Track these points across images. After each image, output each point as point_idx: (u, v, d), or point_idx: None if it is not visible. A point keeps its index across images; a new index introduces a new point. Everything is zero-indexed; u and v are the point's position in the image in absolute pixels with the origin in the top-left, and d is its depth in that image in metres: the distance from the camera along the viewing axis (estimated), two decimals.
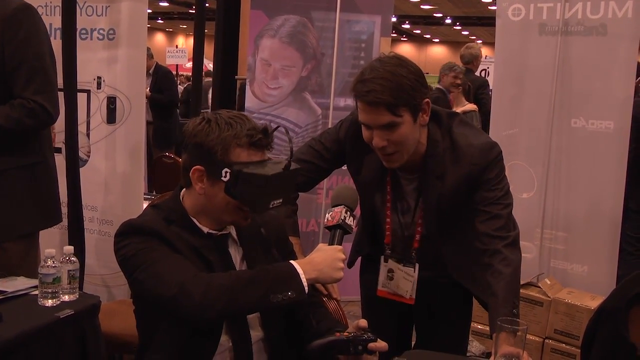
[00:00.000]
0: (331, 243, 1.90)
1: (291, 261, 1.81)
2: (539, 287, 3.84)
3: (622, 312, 2.18)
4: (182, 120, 7.37)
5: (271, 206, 1.82)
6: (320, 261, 1.80)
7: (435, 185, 2.12)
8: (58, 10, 3.37)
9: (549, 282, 3.86)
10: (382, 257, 2.28)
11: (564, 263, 4.05)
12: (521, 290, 3.76)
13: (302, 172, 2.12)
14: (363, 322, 1.85)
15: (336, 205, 1.97)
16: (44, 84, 2.56)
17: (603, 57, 3.83)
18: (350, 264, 2.36)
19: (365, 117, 1.99)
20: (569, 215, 4.01)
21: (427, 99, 2.01)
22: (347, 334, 1.82)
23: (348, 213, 1.95)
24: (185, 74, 16.09)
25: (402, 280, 2.23)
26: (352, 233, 2.02)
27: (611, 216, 3.85)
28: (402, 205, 2.23)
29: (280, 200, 1.83)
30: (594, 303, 3.59)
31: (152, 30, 30.21)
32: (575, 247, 4.01)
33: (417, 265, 2.22)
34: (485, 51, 9.60)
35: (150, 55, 7.08)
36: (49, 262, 2.16)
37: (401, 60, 1.98)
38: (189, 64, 16.33)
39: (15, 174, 2.59)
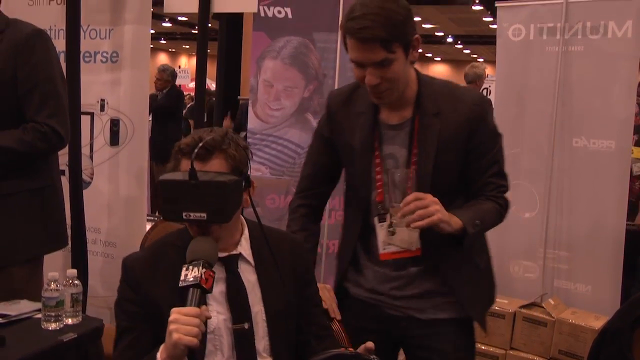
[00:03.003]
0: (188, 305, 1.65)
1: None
2: (543, 307, 3.84)
3: (626, 332, 2.18)
4: None
5: (185, 217, 1.68)
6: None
7: (434, 124, 2.03)
8: (62, 33, 3.39)
9: (552, 302, 3.86)
10: (376, 218, 2.11)
11: (567, 283, 4.05)
12: (525, 311, 3.81)
13: (316, 176, 2.24)
14: (370, 344, 1.83)
15: (192, 262, 1.67)
16: (56, 107, 2.57)
17: (603, 76, 3.86)
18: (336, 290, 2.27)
19: (358, 55, 1.92)
20: (572, 235, 4.02)
21: (417, 35, 1.95)
22: (351, 349, 1.80)
23: (203, 269, 1.65)
24: (189, 93, 16.19)
25: (406, 232, 2.07)
26: (211, 292, 1.70)
27: (614, 235, 3.86)
28: (391, 163, 2.11)
29: (203, 215, 1.67)
30: (598, 323, 3.58)
31: (154, 50, 30.36)
32: (579, 266, 4.01)
33: None
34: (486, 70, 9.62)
35: (168, 80, 7.23)
36: (53, 286, 2.17)
37: None
38: (192, 84, 16.48)
39: (25, 197, 2.60)
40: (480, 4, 17.72)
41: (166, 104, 6.94)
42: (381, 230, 2.11)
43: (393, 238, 2.10)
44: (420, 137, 2.05)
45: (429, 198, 1.88)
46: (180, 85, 15.86)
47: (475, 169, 2.07)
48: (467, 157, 2.05)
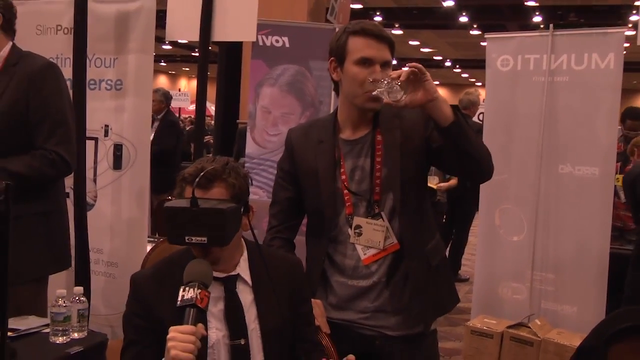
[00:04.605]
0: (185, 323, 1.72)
1: None
2: (530, 327, 3.96)
3: (600, 350, 2.30)
4: (184, 164, 7.49)
5: (187, 241, 1.83)
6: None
7: (394, 123, 2.24)
8: (69, 62, 3.52)
9: (539, 323, 3.97)
10: (350, 230, 2.25)
11: (554, 304, 4.17)
12: (512, 331, 3.93)
13: (284, 212, 2.35)
14: (351, 357, 1.95)
15: (188, 283, 1.77)
16: (64, 136, 2.72)
17: (587, 106, 4.01)
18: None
19: (373, 51, 2.16)
20: (558, 257, 4.15)
21: None
22: None
23: (199, 290, 1.75)
24: (189, 116, 16.25)
25: (371, 232, 2.23)
26: (207, 311, 1.83)
27: (598, 258, 3.99)
28: (358, 174, 2.26)
29: (204, 239, 1.82)
30: None
31: (154, 72, 30.42)
32: (565, 288, 4.13)
33: (383, 214, 2.23)
34: (484, 94, 9.73)
35: (161, 101, 7.17)
36: (60, 302, 2.30)
37: None
38: (192, 107, 16.59)
39: (30, 220, 2.71)
40: (477, 28, 17.96)
41: (165, 147, 6.66)
42: (354, 236, 2.25)
43: (360, 239, 2.24)
44: (385, 137, 2.23)
45: None
46: (180, 109, 15.96)
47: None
48: (429, 143, 2.20)
